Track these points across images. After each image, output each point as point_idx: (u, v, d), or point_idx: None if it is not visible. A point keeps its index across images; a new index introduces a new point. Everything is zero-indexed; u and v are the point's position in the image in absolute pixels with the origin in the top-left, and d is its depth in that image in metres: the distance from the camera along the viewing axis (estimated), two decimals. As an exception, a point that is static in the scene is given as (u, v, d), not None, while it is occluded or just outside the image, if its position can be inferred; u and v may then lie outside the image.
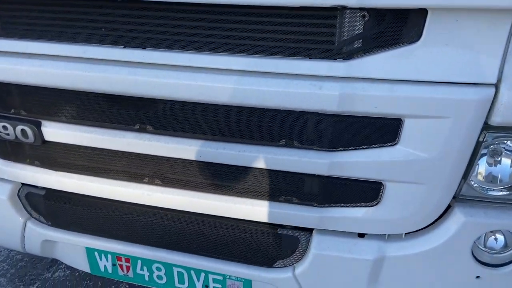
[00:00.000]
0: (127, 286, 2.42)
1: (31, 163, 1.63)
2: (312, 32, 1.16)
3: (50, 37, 1.37)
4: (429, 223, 1.30)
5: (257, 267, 1.53)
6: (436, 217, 1.29)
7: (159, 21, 1.27)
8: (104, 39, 1.33)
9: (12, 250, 2.72)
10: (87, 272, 2.48)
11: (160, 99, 1.34)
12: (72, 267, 2.53)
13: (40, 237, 1.74)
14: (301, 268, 1.44)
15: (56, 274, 2.52)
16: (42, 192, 1.69)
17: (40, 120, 1.49)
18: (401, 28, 1.10)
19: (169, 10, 1.23)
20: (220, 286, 1.62)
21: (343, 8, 1.08)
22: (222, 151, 1.33)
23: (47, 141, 1.51)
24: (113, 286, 2.42)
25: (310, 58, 1.17)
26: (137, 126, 1.42)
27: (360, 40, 1.13)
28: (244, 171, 1.38)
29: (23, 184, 1.72)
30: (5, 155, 1.64)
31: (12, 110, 1.53)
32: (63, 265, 2.58)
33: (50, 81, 1.39)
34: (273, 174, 1.36)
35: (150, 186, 1.51)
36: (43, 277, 2.51)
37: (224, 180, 1.41)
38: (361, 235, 1.39)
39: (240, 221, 1.48)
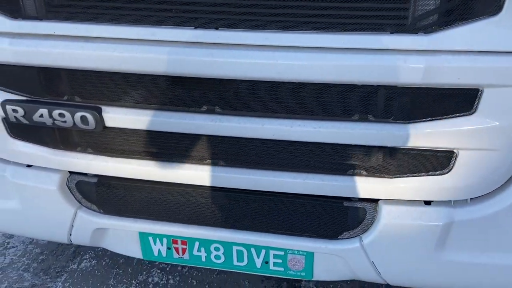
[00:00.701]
0: (159, 271, 2.42)
1: (83, 150, 1.60)
2: (392, 7, 1.20)
3: (115, 20, 1.34)
4: (496, 187, 1.39)
5: (321, 239, 1.58)
6: (504, 181, 1.37)
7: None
8: (174, 20, 1.31)
9: (29, 244, 2.65)
10: (114, 261, 2.50)
11: (230, 79, 1.34)
12: (97, 256, 2.53)
13: (92, 225, 1.71)
14: (369, 238, 1.50)
15: (82, 264, 2.48)
16: (94, 180, 1.66)
17: (100, 106, 1.46)
18: (483, 1, 1.15)
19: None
20: (281, 261, 1.66)
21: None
22: (297, 128, 1.36)
23: (107, 127, 1.48)
24: (144, 272, 2.42)
25: (391, 33, 1.21)
26: (204, 108, 1.42)
27: (443, 13, 1.17)
28: (317, 147, 1.41)
29: (71, 173, 1.68)
30: (53, 144, 1.60)
31: (65, 97, 1.49)
32: (87, 255, 2.55)
33: (115, 65, 1.36)
34: (346, 149, 1.40)
35: (214, 167, 1.52)
36: (69, 268, 2.46)
37: (295, 157, 1.44)
38: (427, 203, 1.46)
39: (306, 196, 1.52)
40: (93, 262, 2.51)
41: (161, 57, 1.32)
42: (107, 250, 1.92)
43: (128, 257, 2.36)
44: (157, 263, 2.46)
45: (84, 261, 2.51)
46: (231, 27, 1.29)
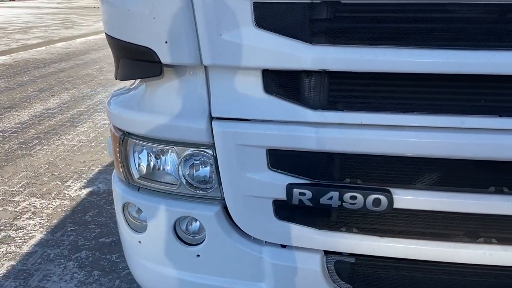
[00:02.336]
0: None
1: (348, 230, 1.66)
2: None
3: (421, 109, 1.46)
4: None
5: None
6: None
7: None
8: (483, 109, 1.44)
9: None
10: None
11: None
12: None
13: (348, 306, 1.72)
14: None
15: None
16: (352, 259, 1.71)
17: (389, 188, 1.55)
18: None
19: None
20: None
21: None
22: None
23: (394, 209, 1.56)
24: None
25: None
26: (492, 189, 1.51)
27: None
28: None
29: (326, 252, 1.72)
30: (320, 224, 1.66)
31: (352, 180, 1.58)
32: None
33: (415, 150, 1.47)
34: None
35: (488, 246, 1.58)
36: None
37: None
38: None
39: None
40: None
41: (467, 142, 1.44)
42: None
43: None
44: None
45: None
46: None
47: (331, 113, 1.50)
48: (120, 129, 1.80)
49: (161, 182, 1.78)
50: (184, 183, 1.72)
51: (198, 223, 1.80)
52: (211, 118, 1.59)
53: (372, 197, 1.53)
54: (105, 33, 1.69)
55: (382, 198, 1.53)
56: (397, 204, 1.55)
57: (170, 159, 1.74)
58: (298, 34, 1.41)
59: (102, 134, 6.05)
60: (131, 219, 1.92)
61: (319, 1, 1.36)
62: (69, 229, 3.70)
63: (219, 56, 1.48)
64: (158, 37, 1.50)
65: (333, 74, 1.45)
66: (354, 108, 1.49)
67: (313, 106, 1.51)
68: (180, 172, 1.71)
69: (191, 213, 1.73)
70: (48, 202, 4.17)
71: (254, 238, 1.75)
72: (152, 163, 1.77)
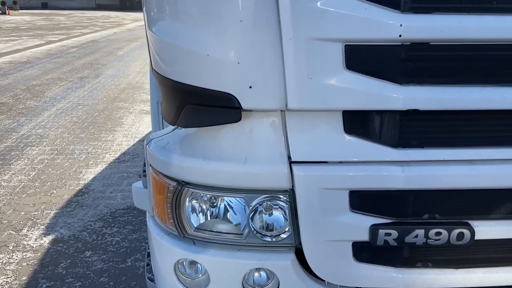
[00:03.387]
0: None
1: (425, 265, 1.66)
2: None
3: (501, 143, 1.52)
4: None
5: None
6: None
7: None
8: None
9: None
10: None
11: None
12: None
13: None
14: None
15: None
16: (428, 293, 1.71)
17: (468, 221, 1.58)
18: None
19: None
20: None
21: None
22: None
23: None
24: None
25: None
26: None
27: None
28: None
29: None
30: (400, 262, 1.65)
31: (425, 215, 1.59)
32: None
33: (497, 182, 1.53)
34: None
35: None
36: None
37: None
38: None
39: None
40: None
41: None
42: None
43: None
44: None
45: None
46: None
47: (414, 150, 1.51)
48: (173, 178, 1.65)
49: (224, 233, 1.65)
50: (253, 232, 1.61)
51: (264, 273, 1.69)
52: (290, 162, 1.52)
53: (456, 231, 1.55)
54: (163, 75, 1.55)
55: (465, 231, 1.55)
56: (480, 236, 1.58)
57: (237, 208, 1.63)
58: (388, 75, 1.41)
59: (44, 172, 5.54)
60: (183, 276, 1.75)
61: (409, 43, 1.38)
62: (44, 286, 3.29)
63: (306, 99, 1.43)
64: (242, 82, 1.41)
65: (417, 112, 1.46)
66: (437, 145, 1.51)
67: (396, 145, 1.51)
68: (249, 221, 1.60)
69: (265, 264, 1.63)
70: (8, 256, 3.69)
71: (327, 282, 1.68)
72: (214, 213, 1.64)
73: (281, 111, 1.51)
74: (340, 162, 1.54)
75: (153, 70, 1.69)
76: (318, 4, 1.32)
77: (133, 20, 38.76)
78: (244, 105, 1.44)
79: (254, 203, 1.58)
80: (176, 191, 1.64)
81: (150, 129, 7.05)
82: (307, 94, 1.41)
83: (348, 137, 1.52)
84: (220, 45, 1.40)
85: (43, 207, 4.61)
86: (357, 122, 1.51)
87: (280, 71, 1.40)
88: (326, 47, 1.37)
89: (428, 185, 1.52)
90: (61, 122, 7.30)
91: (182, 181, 1.63)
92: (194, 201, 1.66)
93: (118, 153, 6.19)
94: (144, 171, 1.98)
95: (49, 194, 4.94)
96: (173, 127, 1.78)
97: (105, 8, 66.23)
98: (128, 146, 6.42)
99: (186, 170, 1.60)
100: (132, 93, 9.57)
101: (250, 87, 1.41)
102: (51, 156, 6.03)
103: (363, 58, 1.39)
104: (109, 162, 5.88)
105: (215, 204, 1.64)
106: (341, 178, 1.52)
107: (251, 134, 1.55)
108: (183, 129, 1.72)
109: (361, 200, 1.55)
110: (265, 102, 1.44)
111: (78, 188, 5.08)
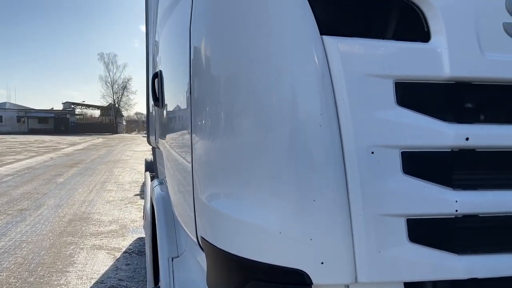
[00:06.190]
0: None
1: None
2: None
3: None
4: None
5: None
6: None
7: None
8: None
9: None
10: None
11: None
12: None
13: None
14: None
15: None
16: None
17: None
18: None
19: None
20: None
21: None
22: None
23: None
24: None
25: None
26: None
27: None
28: None
29: None
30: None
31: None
32: None
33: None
34: None
35: None
36: None
37: None
38: None
39: None
40: None
41: None
42: None
43: None
44: None
45: None
46: None
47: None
48: None
49: None
50: None
51: None
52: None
53: None
54: (221, 248, 1.53)
55: None
56: None
57: None
58: (447, 246, 1.49)
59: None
60: None
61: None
62: None
63: (376, 273, 1.46)
64: (314, 258, 1.43)
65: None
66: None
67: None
68: None
69: None
70: None
71: None
72: None
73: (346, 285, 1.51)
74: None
75: (201, 239, 1.66)
76: (389, 185, 1.43)
77: (70, 144, 38.30)
78: (315, 281, 1.44)
79: None
80: None
81: (106, 267, 6.60)
82: (376, 268, 1.45)
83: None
84: (294, 223, 1.43)
85: None
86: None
87: (350, 246, 1.44)
88: (391, 222, 1.45)
89: None
90: (4, 264, 6.59)
91: None
92: None
93: (74, 299, 5.62)
94: None
95: None
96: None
97: (39, 132, 65.28)
98: (84, 290, 5.88)
99: None
100: (80, 226, 9.03)
101: (322, 263, 1.43)
102: (-5, 308, 5.34)
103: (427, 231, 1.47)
104: (64, 310, 5.29)
105: None
106: None
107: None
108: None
109: None
110: (335, 277, 1.45)
111: None
